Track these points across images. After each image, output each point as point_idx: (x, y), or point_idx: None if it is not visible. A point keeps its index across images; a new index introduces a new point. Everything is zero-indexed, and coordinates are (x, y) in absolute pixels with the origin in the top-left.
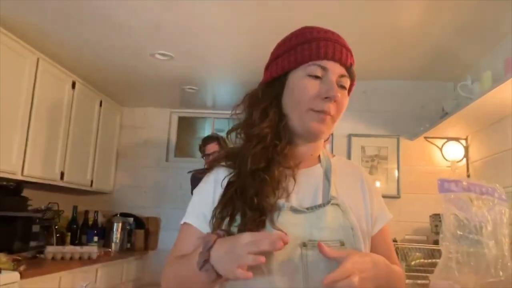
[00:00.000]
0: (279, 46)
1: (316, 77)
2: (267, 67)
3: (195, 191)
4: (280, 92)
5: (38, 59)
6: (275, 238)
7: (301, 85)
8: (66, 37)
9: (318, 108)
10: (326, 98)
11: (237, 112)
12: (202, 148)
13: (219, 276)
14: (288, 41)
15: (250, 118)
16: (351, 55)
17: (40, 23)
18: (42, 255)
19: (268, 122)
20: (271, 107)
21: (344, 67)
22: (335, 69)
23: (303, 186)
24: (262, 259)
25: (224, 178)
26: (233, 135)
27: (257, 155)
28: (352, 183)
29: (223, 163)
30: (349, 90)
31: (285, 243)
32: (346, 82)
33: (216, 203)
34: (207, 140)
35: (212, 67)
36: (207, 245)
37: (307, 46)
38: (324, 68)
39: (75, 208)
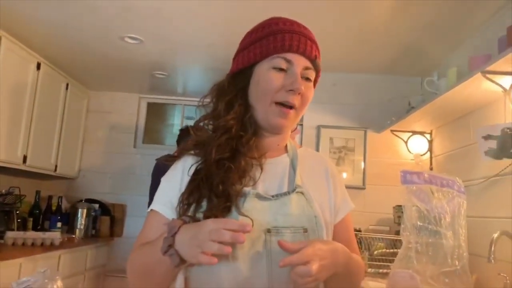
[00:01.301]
0: (246, 37)
1: (281, 69)
2: (235, 58)
3: (163, 178)
4: (247, 84)
5: (0, 38)
6: (237, 230)
7: (266, 78)
8: (32, 16)
9: (282, 100)
10: (291, 90)
11: (204, 103)
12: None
13: (182, 261)
14: (255, 33)
15: (216, 109)
16: (317, 48)
17: (4, 0)
18: (1, 241)
19: (233, 114)
20: (236, 99)
21: (309, 60)
22: (299, 62)
23: (270, 174)
24: (228, 249)
25: (191, 166)
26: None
27: (222, 146)
28: (317, 174)
29: (192, 152)
30: (315, 82)
31: (247, 232)
32: (311, 75)
33: (183, 191)
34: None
35: (183, 52)
36: (172, 231)
37: (272, 39)
38: (288, 61)
39: (38, 193)
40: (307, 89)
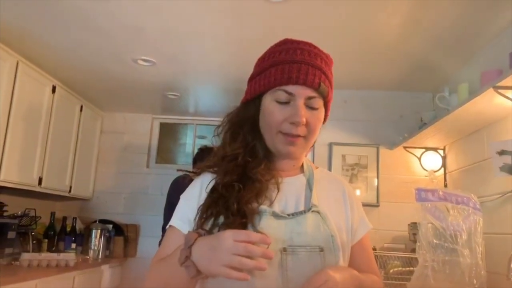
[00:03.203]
0: (256, 64)
1: (284, 101)
2: (247, 85)
3: (182, 195)
4: (256, 114)
5: (17, 62)
6: (267, 249)
7: (270, 110)
8: (47, 40)
9: (287, 131)
10: (293, 123)
11: (218, 132)
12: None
13: (199, 272)
14: (262, 61)
15: (225, 139)
16: (322, 73)
17: (20, 25)
18: (17, 262)
19: (239, 143)
20: (242, 128)
21: (312, 88)
22: (301, 93)
23: (286, 194)
24: (265, 266)
25: (209, 183)
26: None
27: (230, 172)
28: (334, 194)
29: (211, 169)
30: (328, 102)
31: (268, 244)
32: (316, 103)
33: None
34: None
35: (195, 73)
36: (189, 242)
37: (274, 71)
38: (289, 93)
39: (52, 214)
40: (312, 118)
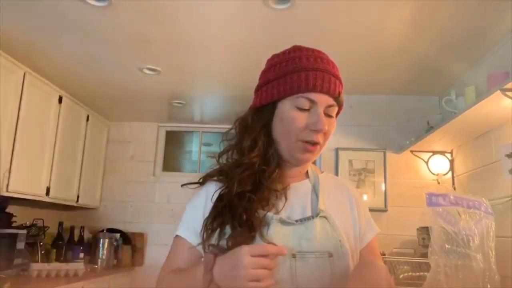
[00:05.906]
0: (269, 69)
1: (305, 108)
2: (257, 90)
3: (187, 204)
4: (270, 119)
5: (24, 74)
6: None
7: (290, 117)
8: (53, 52)
9: (307, 139)
10: (314, 130)
11: (228, 136)
12: None
13: None
14: (278, 66)
15: (240, 144)
16: (340, 83)
17: (27, 37)
18: (26, 273)
19: (257, 151)
20: (260, 136)
21: (332, 97)
22: (323, 101)
23: (292, 200)
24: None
25: (214, 193)
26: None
27: (244, 180)
28: (339, 199)
29: (215, 178)
30: (340, 111)
31: (284, 255)
32: (334, 111)
33: (206, 216)
34: None
35: (200, 81)
36: (208, 266)
37: (296, 77)
38: (312, 101)
39: (60, 224)
40: (329, 126)
